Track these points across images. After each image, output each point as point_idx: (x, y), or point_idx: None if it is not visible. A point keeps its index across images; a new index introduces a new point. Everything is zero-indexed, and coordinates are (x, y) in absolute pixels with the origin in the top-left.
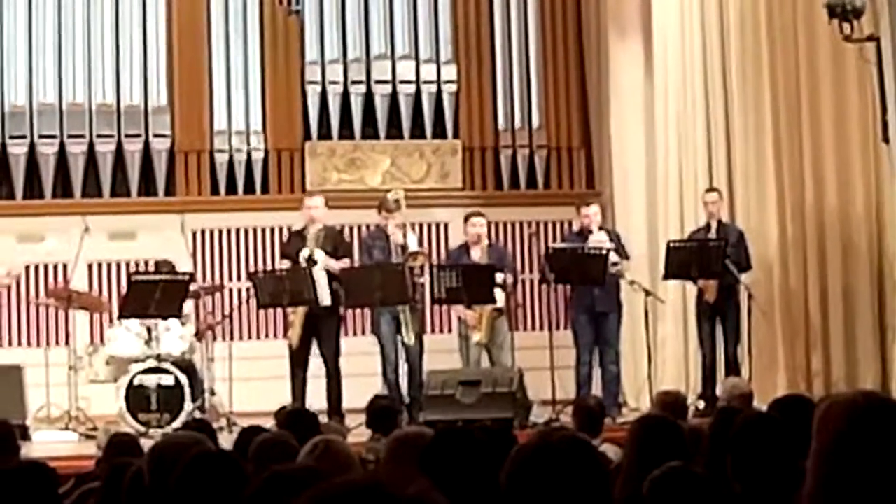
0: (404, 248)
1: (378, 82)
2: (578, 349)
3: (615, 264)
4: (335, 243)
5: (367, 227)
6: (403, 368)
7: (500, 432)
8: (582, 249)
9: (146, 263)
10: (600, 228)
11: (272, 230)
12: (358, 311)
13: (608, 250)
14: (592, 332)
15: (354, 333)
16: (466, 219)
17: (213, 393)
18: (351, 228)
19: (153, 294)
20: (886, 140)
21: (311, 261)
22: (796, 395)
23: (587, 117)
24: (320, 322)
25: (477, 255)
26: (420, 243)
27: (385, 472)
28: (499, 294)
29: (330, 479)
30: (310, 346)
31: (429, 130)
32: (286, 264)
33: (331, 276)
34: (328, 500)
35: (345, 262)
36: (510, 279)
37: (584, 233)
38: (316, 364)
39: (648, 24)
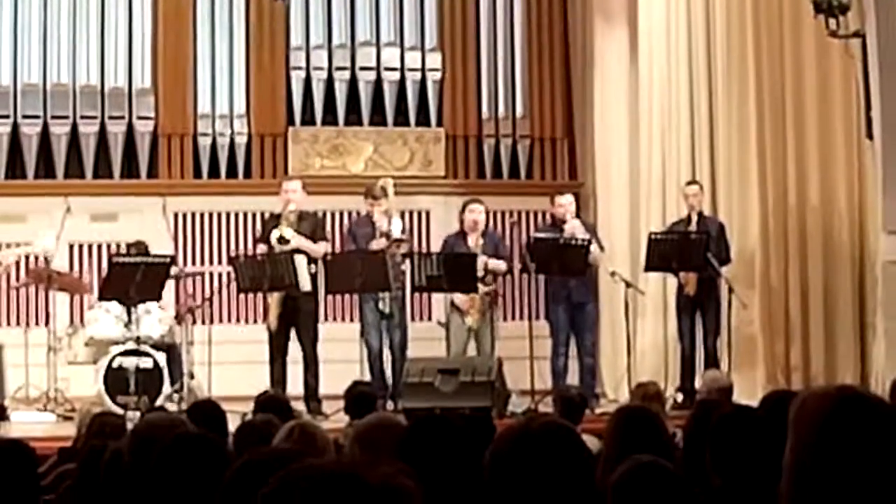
0: (388, 235)
1: (362, 69)
2: (555, 340)
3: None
4: (312, 227)
5: (357, 213)
6: (386, 356)
7: (479, 420)
8: (564, 240)
9: (127, 245)
10: (577, 217)
11: (254, 215)
12: (339, 297)
13: (588, 241)
14: (569, 323)
15: (335, 319)
16: (464, 206)
17: (192, 376)
18: (333, 214)
19: (134, 276)
20: (870, 136)
21: (282, 240)
22: (785, 390)
23: (571, 108)
24: (298, 307)
25: (473, 242)
26: (404, 230)
27: (349, 457)
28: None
29: (302, 461)
30: (289, 332)
31: (412, 118)
32: (262, 248)
33: (309, 259)
34: (296, 482)
35: (321, 245)
36: (503, 267)
37: (558, 223)
38: (295, 349)
39: (634, 16)
